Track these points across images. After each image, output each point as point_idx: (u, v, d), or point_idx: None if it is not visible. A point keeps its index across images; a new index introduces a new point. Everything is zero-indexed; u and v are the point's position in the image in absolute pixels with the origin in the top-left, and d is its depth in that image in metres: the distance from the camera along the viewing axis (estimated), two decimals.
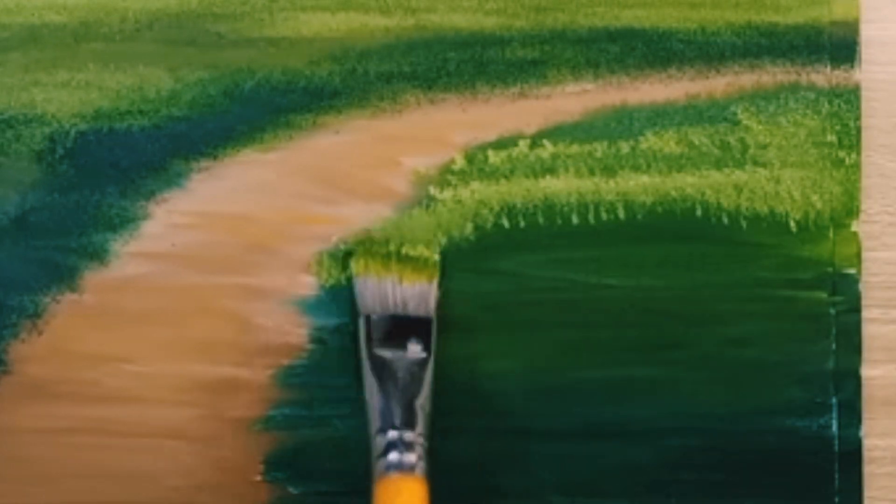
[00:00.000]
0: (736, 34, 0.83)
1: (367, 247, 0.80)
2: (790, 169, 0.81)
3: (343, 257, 0.80)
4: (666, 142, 0.81)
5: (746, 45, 0.82)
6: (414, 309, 0.77)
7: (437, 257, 0.80)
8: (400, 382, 0.75)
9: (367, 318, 0.77)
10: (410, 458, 0.72)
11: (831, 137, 0.81)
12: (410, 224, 0.81)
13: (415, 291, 0.78)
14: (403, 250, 0.80)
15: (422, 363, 0.76)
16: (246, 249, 0.81)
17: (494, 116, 0.82)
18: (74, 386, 0.80)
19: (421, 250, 0.80)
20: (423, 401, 0.75)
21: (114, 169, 0.82)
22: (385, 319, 0.77)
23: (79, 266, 0.81)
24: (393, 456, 0.72)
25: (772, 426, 0.80)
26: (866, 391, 0.80)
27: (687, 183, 0.81)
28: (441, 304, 0.78)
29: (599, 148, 0.82)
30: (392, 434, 0.73)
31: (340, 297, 0.80)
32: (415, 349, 0.76)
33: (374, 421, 0.74)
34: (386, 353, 0.76)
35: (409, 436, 0.73)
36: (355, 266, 0.79)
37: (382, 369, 0.75)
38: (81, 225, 0.81)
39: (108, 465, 0.80)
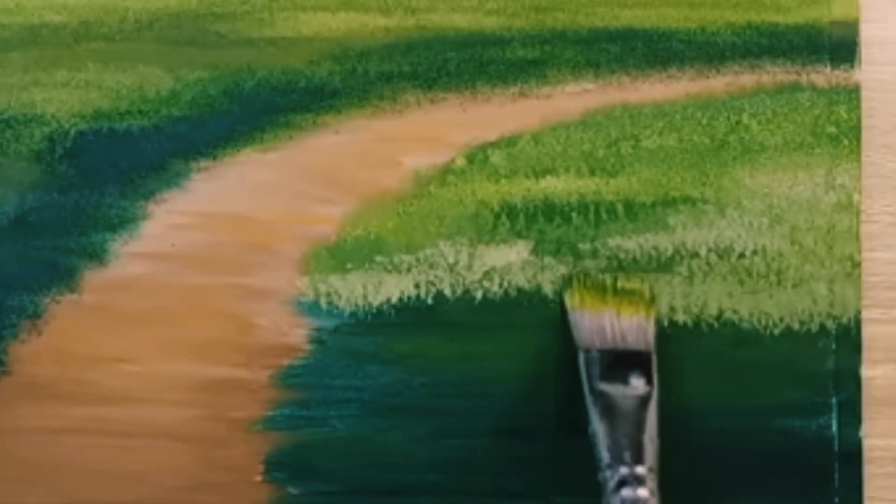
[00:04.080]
0: (736, 34, 0.83)
1: (581, 279, 0.79)
2: (790, 168, 0.81)
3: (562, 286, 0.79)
4: (666, 141, 0.82)
5: (746, 45, 0.83)
6: (634, 342, 0.76)
7: (651, 290, 0.79)
8: (626, 417, 0.74)
9: (587, 352, 0.76)
10: (643, 493, 0.71)
11: (831, 137, 0.81)
12: (411, 224, 0.81)
13: (633, 325, 0.77)
14: (619, 283, 0.79)
15: (646, 397, 0.75)
16: (246, 249, 0.81)
17: (495, 116, 0.82)
18: (74, 386, 0.80)
19: (636, 283, 0.79)
20: (650, 434, 0.74)
21: (114, 169, 0.82)
22: (605, 354, 0.76)
23: (79, 266, 0.81)
24: (626, 492, 0.71)
25: (772, 426, 0.80)
26: (866, 391, 0.80)
27: (687, 182, 0.81)
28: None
29: (600, 148, 0.82)
30: (623, 470, 0.72)
31: (337, 297, 0.81)
32: (638, 383, 0.75)
33: (604, 455, 0.73)
34: (609, 389, 0.75)
35: (640, 470, 0.72)
36: (570, 299, 0.78)
37: (607, 404, 0.74)
38: (81, 225, 0.81)
39: (108, 465, 0.80)
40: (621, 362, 0.76)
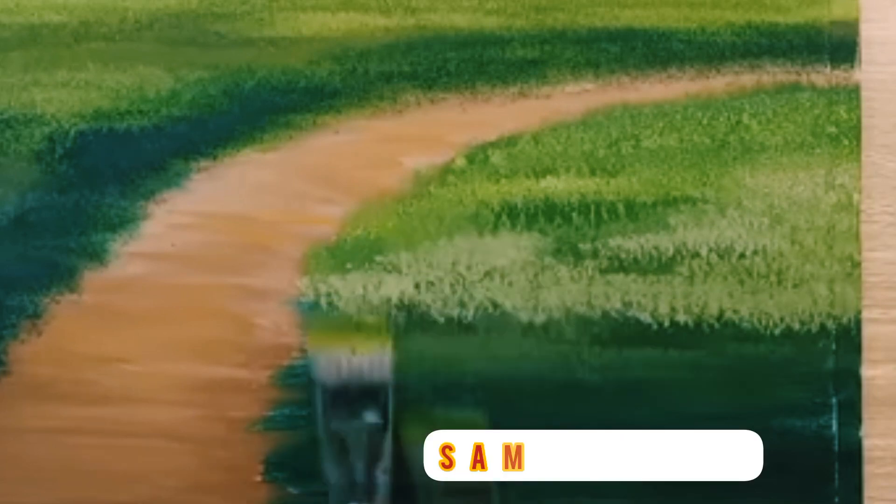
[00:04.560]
0: (736, 34, 0.83)
1: (319, 317, 0.80)
2: (790, 168, 0.81)
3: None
4: (667, 141, 0.82)
5: (746, 45, 0.83)
6: (368, 376, 0.78)
7: (387, 322, 0.79)
8: (359, 453, 0.76)
9: (322, 389, 0.78)
10: None
11: (831, 137, 0.81)
12: (411, 224, 0.81)
13: (369, 358, 0.78)
14: (355, 318, 0.80)
15: (380, 431, 0.77)
16: (246, 249, 0.81)
17: (495, 116, 0.82)
18: (74, 386, 0.80)
19: (372, 317, 0.80)
20: (383, 468, 0.75)
21: (114, 169, 0.82)
22: (340, 389, 0.77)
23: (79, 266, 0.81)
24: None
25: (772, 426, 0.80)
26: (866, 391, 0.80)
27: (688, 182, 0.81)
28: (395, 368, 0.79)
29: (600, 148, 0.82)
30: None
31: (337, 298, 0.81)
32: (372, 417, 0.77)
33: (333, 496, 0.75)
34: (342, 425, 0.76)
35: None
36: (309, 339, 0.79)
37: (339, 441, 0.76)
38: (81, 225, 0.81)
39: (108, 465, 0.80)
40: (356, 397, 0.77)
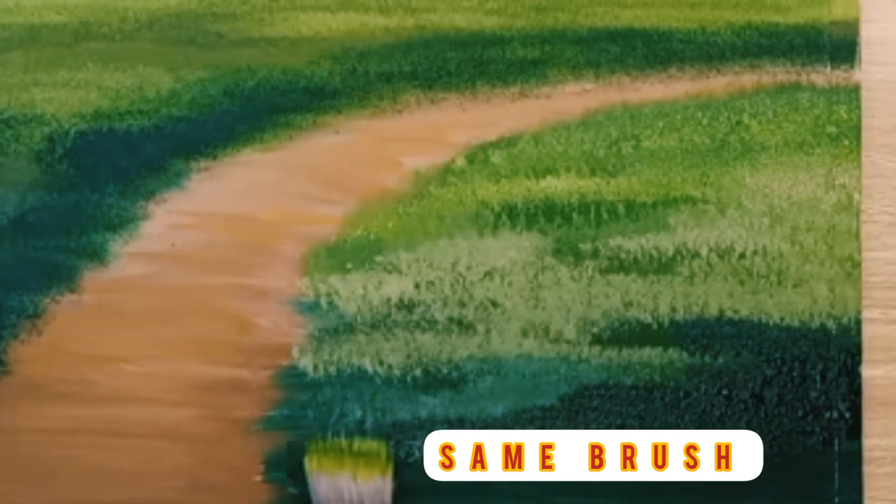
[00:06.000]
0: (736, 34, 0.83)
1: (319, 443, 0.80)
2: (790, 168, 0.81)
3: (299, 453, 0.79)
4: (667, 141, 0.82)
5: (746, 45, 0.83)
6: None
7: (389, 449, 0.79)
8: None
9: None
10: None
11: (831, 137, 0.81)
12: (411, 224, 0.81)
13: (370, 487, 0.78)
14: (356, 445, 0.79)
15: None
16: (246, 249, 0.81)
17: (495, 116, 0.82)
18: (74, 386, 0.80)
19: (372, 444, 0.80)
20: None
21: (114, 169, 0.82)
22: None
23: (79, 266, 0.81)
24: None
25: (772, 426, 0.80)
26: (866, 391, 0.80)
27: (688, 182, 0.81)
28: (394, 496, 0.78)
29: (601, 148, 0.82)
30: None
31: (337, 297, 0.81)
32: None
33: None
34: None
35: None
36: (308, 464, 0.79)
37: None
38: (81, 225, 0.81)
39: (108, 465, 0.80)
40: None
